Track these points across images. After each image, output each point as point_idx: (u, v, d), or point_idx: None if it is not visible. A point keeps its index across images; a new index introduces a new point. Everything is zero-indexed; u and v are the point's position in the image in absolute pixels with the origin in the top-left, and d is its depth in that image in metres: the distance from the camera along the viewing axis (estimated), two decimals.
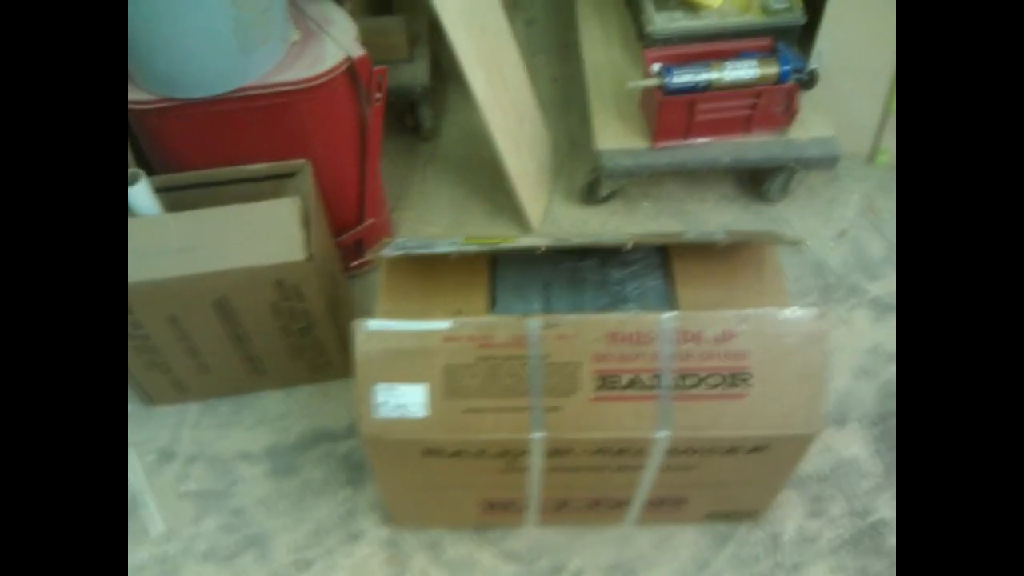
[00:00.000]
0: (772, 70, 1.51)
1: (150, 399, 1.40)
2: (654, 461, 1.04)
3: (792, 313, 0.97)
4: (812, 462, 1.32)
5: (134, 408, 1.41)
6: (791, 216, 1.70)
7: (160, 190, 1.25)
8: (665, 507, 1.18)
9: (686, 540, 1.24)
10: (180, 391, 1.38)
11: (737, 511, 1.22)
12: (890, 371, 1.43)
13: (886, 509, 1.27)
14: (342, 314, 1.36)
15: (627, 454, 1.02)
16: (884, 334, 1.49)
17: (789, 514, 1.26)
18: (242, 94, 1.24)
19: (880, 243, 1.64)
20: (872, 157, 1.78)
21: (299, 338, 1.31)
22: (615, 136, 1.63)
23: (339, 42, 1.30)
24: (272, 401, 1.42)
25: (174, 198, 1.26)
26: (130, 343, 1.24)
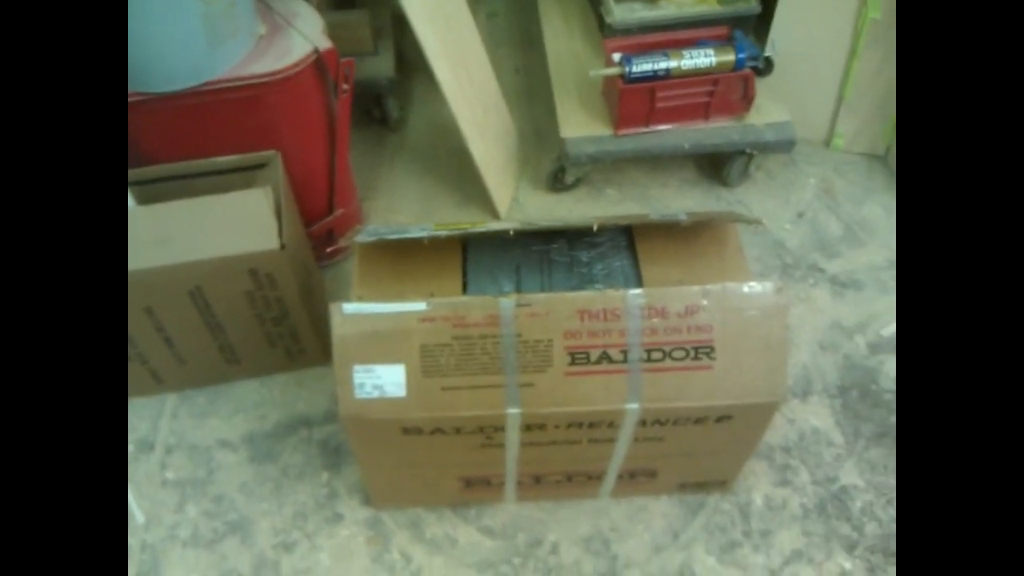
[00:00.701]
0: (728, 58, 1.56)
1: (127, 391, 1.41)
2: (625, 433, 1.08)
3: (752, 288, 1.01)
4: (778, 433, 1.37)
5: None
6: (751, 199, 1.75)
7: (132, 184, 1.26)
8: (638, 479, 1.23)
9: (659, 511, 1.28)
10: (157, 382, 1.39)
11: (707, 481, 1.27)
12: (850, 345, 1.49)
13: (849, 476, 1.32)
14: (315, 302, 1.38)
15: (599, 427, 1.06)
16: (843, 310, 1.55)
17: (757, 483, 1.31)
18: (211, 87, 1.25)
19: (837, 224, 1.70)
20: (828, 141, 1.84)
21: (273, 326, 1.33)
22: (579, 124, 1.66)
23: (306, 35, 1.32)
24: (248, 390, 1.44)
25: (146, 191, 1.27)
26: None
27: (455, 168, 1.79)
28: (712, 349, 1.01)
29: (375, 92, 1.81)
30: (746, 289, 1.01)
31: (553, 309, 1.00)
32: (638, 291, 1.01)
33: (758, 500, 1.30)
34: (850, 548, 1.25)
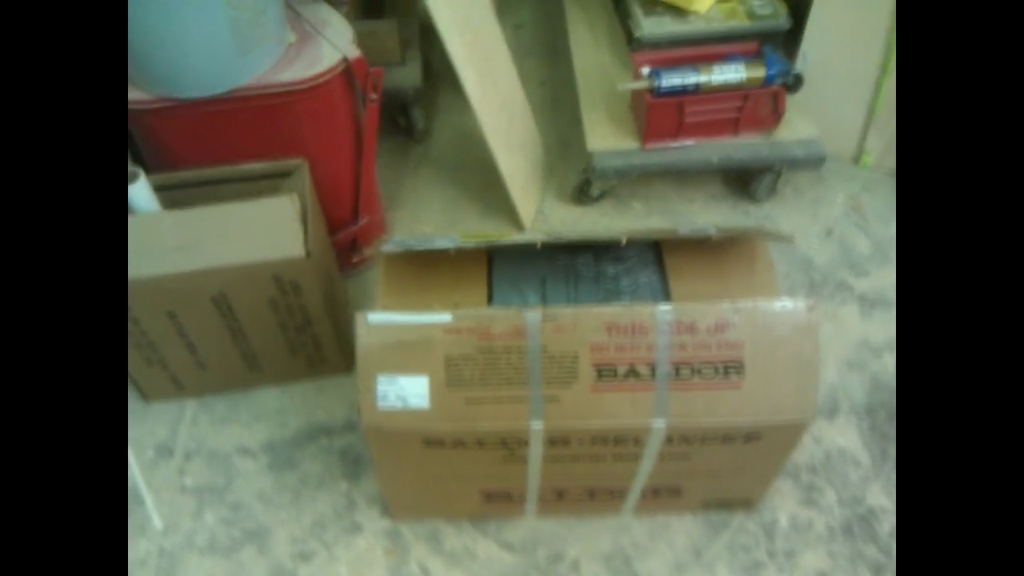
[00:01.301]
0: (758, 73, 1.54)
1: (146, 396, 1.40)
2: (651, 450, 1.06)
3: (784, 305, 1.00)
4: (804, 452, 1.34)
5: (131, 405, 1.41)
6: (778, 215, 1.74)
7: (159, 188, 1.26)
8: (661, 496, 1.21)
9: (682, 529, 1.26)
10: (177, 388, 1.39)
11: (732, 500, 1.25)
12: (878, 364, 1.46)
13: (877, 498, 1.30)
14: (338, 311, 1.38)
15: (624, 443, 1.04)
16: (872, 329, 1.52)
17: (783, 503, 1.29)
18: (239, 94, 1.25)
19: (865, 241, 1.68)
20: (857, 158, 1.82)
21: (296, 334, 1.33)
22: (605, 137, 1.66)
23: (335, 44, 1.32)
24: (269, 397, 1.43)
25: (172, 196, 1.27)
26: (128, 339, 1.25)
27: (480, 179, 1.78)
28: (741, 366, 0.99)
29: (401, 102, 1.81)
30: (778, 307, 1.00)
31: (580, 322, 0.99)
32: (667, 306, 0.99)
33: (783, 520, 1.28)
34: (877, 571, 1.22)
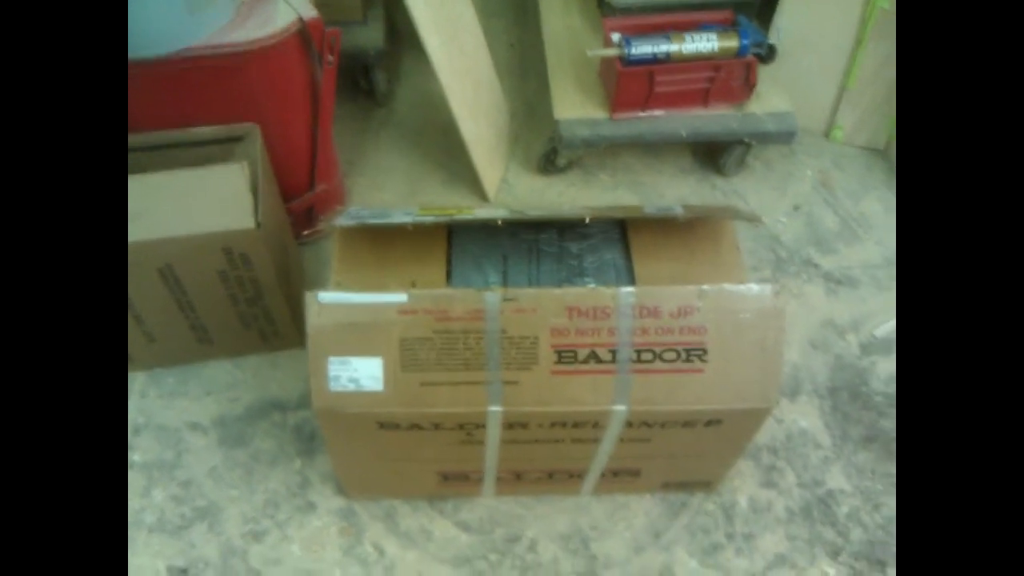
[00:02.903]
0: (732, 43, 1.50)
1: None
2: (611, 434, 1.04)
3: (749, 289, 0.97)
4: (765, 433, 1.33)
5: None
6: (746, 190, 1.71)
7: None
8: (621, 477, 1.19)
9: (640, 509, 1.25)
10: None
11: (692, 481, 1.24)
12: (841, 345, 1.45)
13: (836, 480, 1.29)
14: (293, 282, 1.33)
15: (584, 427, 1.02)
16: (836, 308, 1.51)
17: (743, 484, 1.28)
18: (189, 55, 1.19)
19: (833, 218, 1.66)
20: (827, 132, 1.80)
21: (248, 307, 1.28)
22: (573, 106, 1.61)
23: (290, 2, 1.25)
24: (220, 371, 1.39)
25: None
26: None
27: (443, 146, 1.73)
28: (704, 352, 0.97)
29: (363, 63, 1.75)
30: (743, 290, 0.97)
31: (541, 305, 0.96)
32: (630, 289, 0.96)
33: (743, 501, 1.27)
34: (834, 554, 1.22)
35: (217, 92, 1.25)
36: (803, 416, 1.36)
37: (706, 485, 1.25)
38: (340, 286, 1.02)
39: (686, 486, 1.25)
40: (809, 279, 1.56)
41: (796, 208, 1.67)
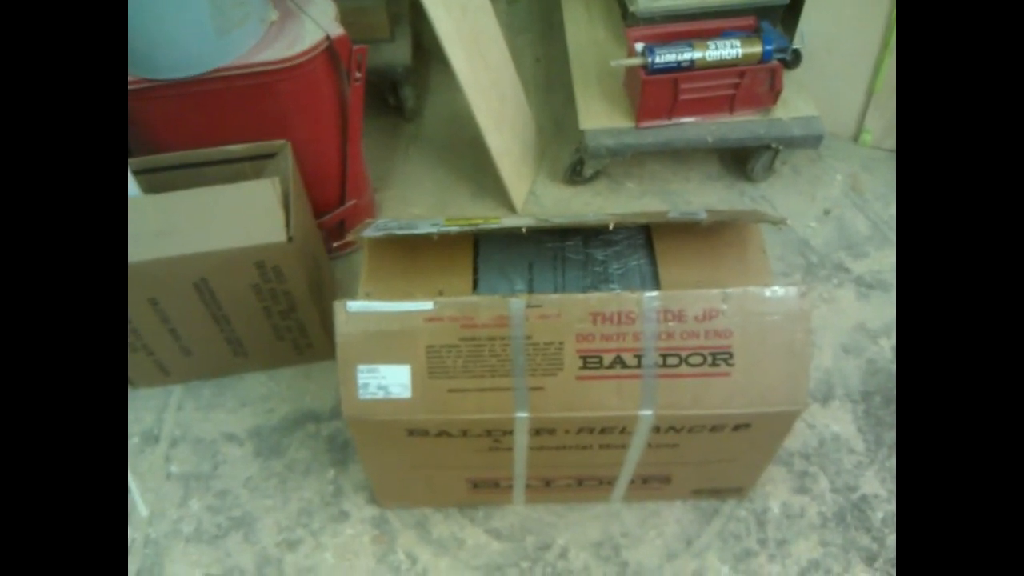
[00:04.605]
0: (755, 49, 1.51)
1: (132, 382, 1.39)
2: (638, 439, 1.04)
3: (775, 292, 0.97)
4: (797, 439, 1.32)
5: None
6: (775, 195, 1.70)
7: (138, 172, 1.24)
8: (651, 484, 1.19)
9: (672, 516, 1.25)
10: (162, 374, 1.37)
11: (723, 488, 1.23)
12: (875, 349, 1.44)
13: (870, 485, 1.28)
14: (325, 295, 1.36)
15: (611, 432, 1.02)
16: (868, 313, 1.49)
17: (775, 490, 1.27)
18: (220, 75, 1.22)
19: (864, 222, 1.64)
20: (856, 136, 1.79)
21: (281, 320, 1.31)
22: (599, 116, 1.62)
23: (318, 21, 1.28)
24: (255, 383, 1.41)
25: (153, 180, 1.25)
26: None
27: (471, 159, 1.75)
28: (731, 355, 0.97)
29: (391, 80, 1.78)
30: (768, 293, 0.97)
31: (565, 311, 0.97)
32: (654, 293, 0.97)
33: (775, 508, 1.26)
34: (870, 560, 1.21)
35: (248, 110, 1.28)
36: (836, 421, 1.35)
37: (738, 491, 1.25)
38: (368, 296, 1.04)
39: (717, 493, 1.25)
40: (840, 283, 1.54)
41: (826, 213, 1.66)
